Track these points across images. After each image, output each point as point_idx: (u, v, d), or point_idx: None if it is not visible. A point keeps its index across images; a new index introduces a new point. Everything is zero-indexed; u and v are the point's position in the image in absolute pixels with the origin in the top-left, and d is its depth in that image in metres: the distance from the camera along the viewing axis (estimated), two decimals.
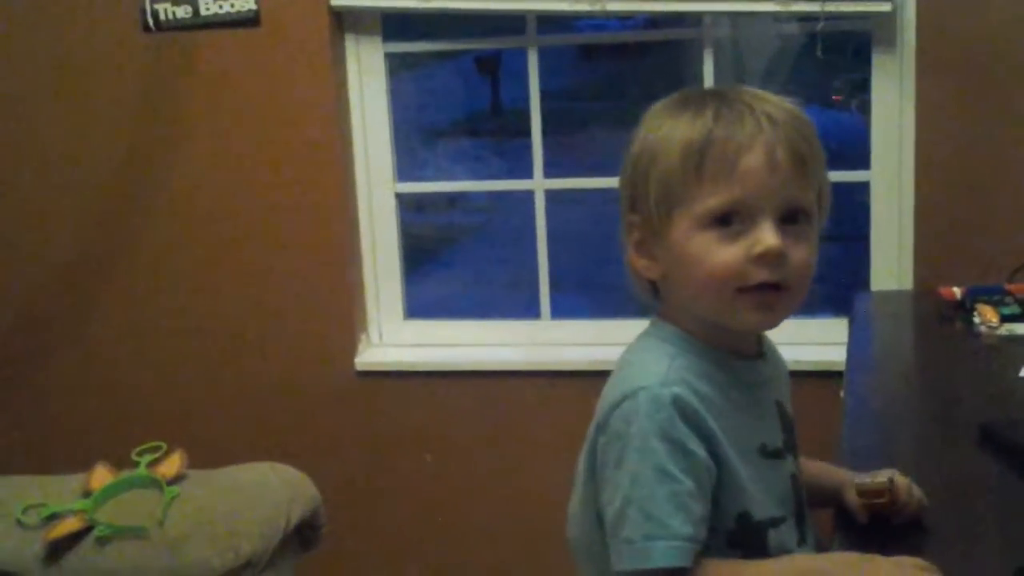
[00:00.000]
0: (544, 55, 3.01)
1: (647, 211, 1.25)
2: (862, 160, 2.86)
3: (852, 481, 1.34)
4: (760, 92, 1.26)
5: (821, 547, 1.33)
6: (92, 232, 3.16)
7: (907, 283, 2.79)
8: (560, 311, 3.15)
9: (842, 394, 1.90)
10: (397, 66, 3.11)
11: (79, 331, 3.22)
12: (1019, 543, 1.31)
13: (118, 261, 3.16)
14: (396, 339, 3.17)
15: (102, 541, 2.27)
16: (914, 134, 2.73)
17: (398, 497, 3.16)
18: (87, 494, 2.40)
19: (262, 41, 2.94)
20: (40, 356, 3.25)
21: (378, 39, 3.01)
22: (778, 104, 1.24)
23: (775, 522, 1.25)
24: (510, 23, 3.03)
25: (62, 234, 3.18)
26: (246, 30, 2.94)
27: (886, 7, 2.67)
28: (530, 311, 3.17)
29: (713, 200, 1.20)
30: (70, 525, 2.29)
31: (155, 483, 2.44)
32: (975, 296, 2.21)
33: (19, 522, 2.34)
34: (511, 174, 7.56)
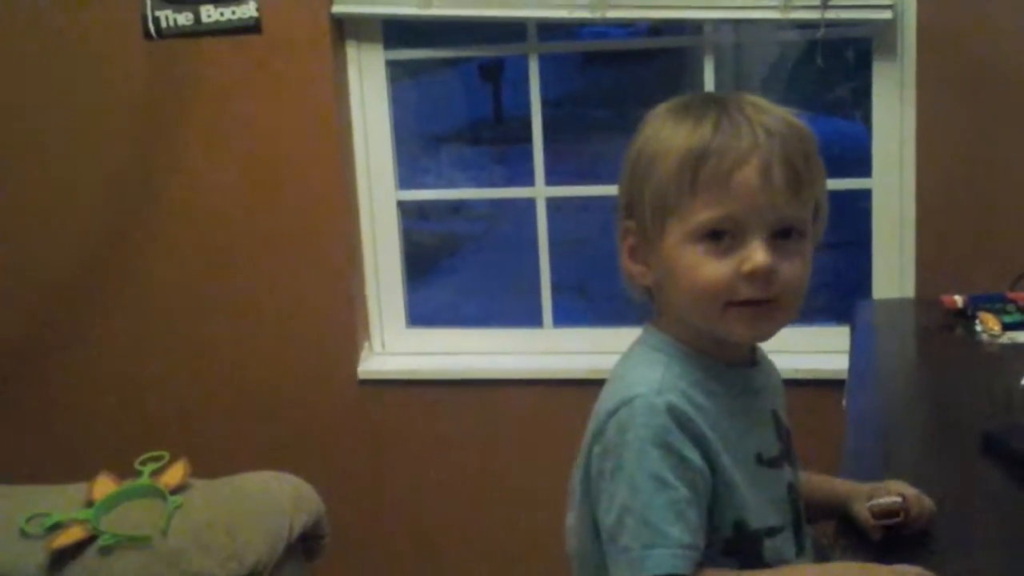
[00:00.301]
0: (545, 62, 3.01)
1: (642, 218, 1.25)
2: (863, 167, 2.86)
3: (860, 497, 1.33)
4: (762, 103, 1.26)
5: (821, 557, 1.33)
6: (94, 240, 3.17)
7: (909, 291, 2.79)
8: (562, 319, 3.16)
9: (843, 402, 1.90)
10: (399, 73, 3.11)
11: (81, 341, 3.22)
12: (1021, 551, 1.31)
13: (120, 270, 3.16)
14: (398, 347, 3.17)
15: (105, 551, 2.27)
16: (915, 141, 2.73)
17: (401, 505, 3.16)
18: (90, 504, 2.40)
19: (263, 49, 2.95)
20: (42, 366, 3.25)
21: (379, 46, 3.02)
22: (779, 117, 1.23)
23: (772, 531, 1.24)
24: (512, 30, 3.03)
25: (64, 242, 3.18)
26: (247, 37, 2.94)
27: (887, 15, 2.67)
28: (532, 319, 3.17)
29: (705, 214, 1.19)
30: (73, 535, 2.29)
31: (158, 493, 2.44)
32: (977, 304, 2.21)
33: (22, 531, 2.34)
34: (513, 181, 7.57)
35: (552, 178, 3.06)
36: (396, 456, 3.13)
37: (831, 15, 2.66)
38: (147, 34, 2.98)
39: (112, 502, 2.42)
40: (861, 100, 2.91)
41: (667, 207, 1.22)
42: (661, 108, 1.28)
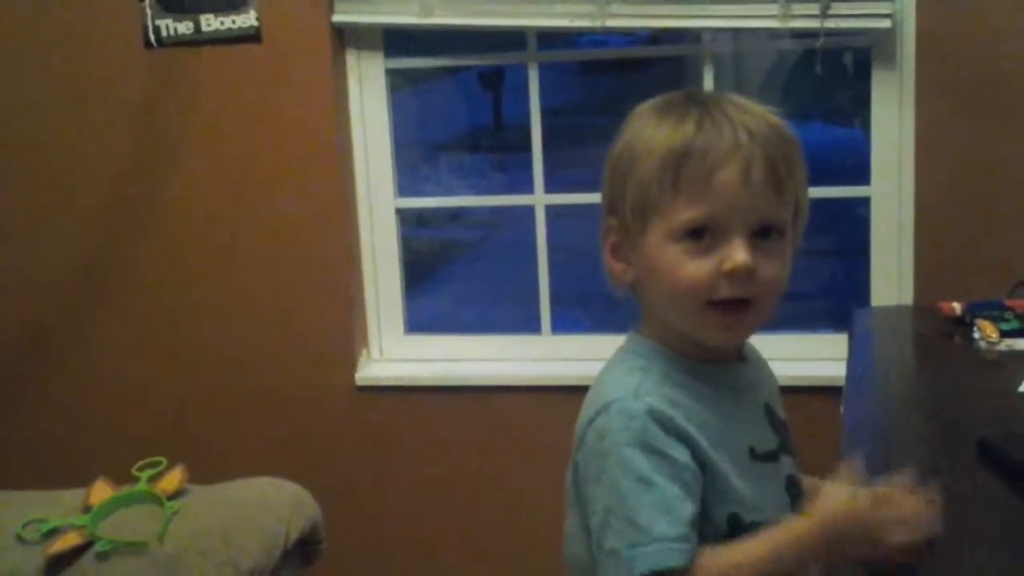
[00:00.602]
0: (545, 71, 3.02)
1: (624, 216, 1.26)
2: (862, 175, 2.86)
3: (819, 486, 1.33)
4: (745, 103, 1.26)
5: None
6: (92, 247, 3.17)
7: (907, 298, 2.80)
8: (560, 326, 3.16)
9: (841, 409, 1.90)
10: (399, 82, 3.12)
11: (79, 347, 3.22)
12: (1018, 558, 1.30)
13: (118, 276, 3.16)
14: (396, 354, 3.17)
15: (102, 556, 2.27)
16: (913, 149, 2.73)
17: (399, 511, 3.16)
18: (87, 509, 2.40)
19: (263, 57, 2.96)
20: (39, 372, 3.25)
21: (379, 55, 3.02)
22: (760, 117, 1.24)
23: (769, 524, 1.24)
24: (511, 39, 3.04)
25: (62, 249, 3.18)
26: (247, 46, 2.95)
27: (885, 23, 2.68)
28: (530, 326, 3.18)
29: (686, 213, 1.20)
30: (70, 540, 2.28)
31: (155, 498, 2.44)
32: (975, 311, 2.21)
33: (19, 537, 2.34)
34: (512, 189, 7.56)
35: (551, 186, 3.06)
36: (394, 462, 3.13)
37: (830, 24, 2.67)
38: (147, 43, 2.99)
39: (109, 508, 2.42)
40: (860, 108, 2.92)
41: (649, 205, 1.22)
42: (644, 107, 1.29)
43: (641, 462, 1.16)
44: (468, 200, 5.82)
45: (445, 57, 3.25)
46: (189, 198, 3.08)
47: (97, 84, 3.07)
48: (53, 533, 2.33)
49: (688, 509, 1.16)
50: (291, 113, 2.99)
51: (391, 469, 3.14)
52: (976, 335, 2.13)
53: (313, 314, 3.08)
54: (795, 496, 1.31)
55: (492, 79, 9.23)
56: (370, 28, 2.99)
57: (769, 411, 1.34)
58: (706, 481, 1.19)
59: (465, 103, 9.46)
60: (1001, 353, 2.06)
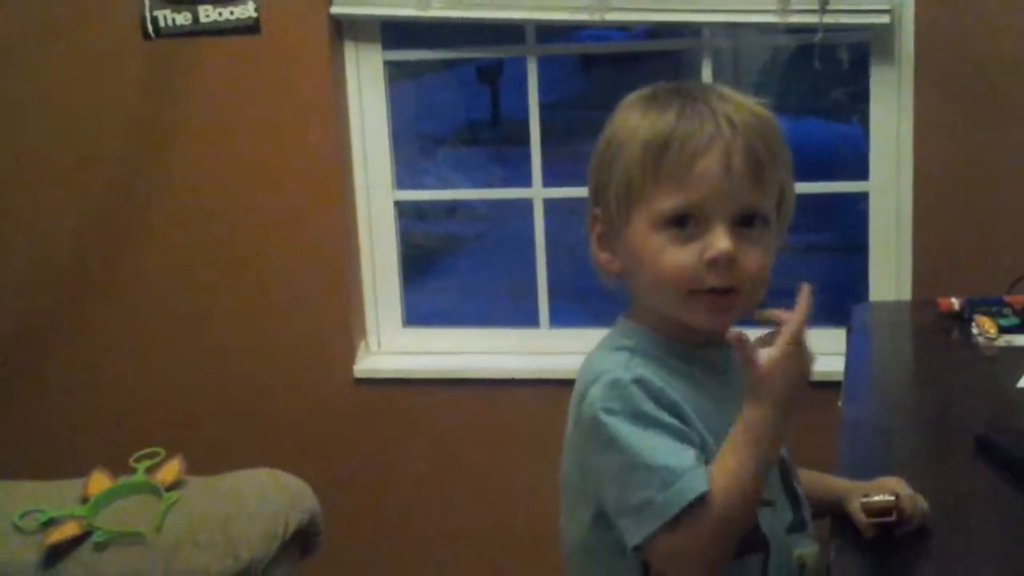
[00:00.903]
0: (544, 65, 3.02)
1: (608, 205, 1.27)
2: (860, 170, 2.86)
3: (856, 494, 1.33)
4: (729, 93, 1.27)
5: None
6: (90, 239, 3.17)
7: (905, 294, 2.80)
8: (559, 320, 3.16)
9: (840, 404, 1.90)
10: (396, 75, 3.11)
11: (77, 337, 3.22)
12: (1016, 554, 1.31)
13: (116, 268, 3.16)
14: (395, 347, 3.17)
15: (100, 547, 2.27)
16: (912, 145, 2.73)
17: (397, 505, 3.16)
18: (85, 500, 2.40)
19: (262, 49, 2.95)
20: (38, 362, 3.25)
21: (378, 47, 3.02)
22: (743, 107, 1.25)
23: (761, 504, 1.24)
24: (510, 33, 3.03)
25: (61, 240, 3.18)
26: (246, 37, 2.94)
27: (884, 19, 2.68)
28: (529, 319, 3.18)
29: (668, 201, 1.21)
30: (68, 530, 2.28)
31: (153, 489, 2.44)
32: (974, 307, 2.21)
33: (16, 527, 2.34)
34: (510, 183, 7.57)
35: (548, 180, 3.06)
36: (392, 455, 3.13)
37: (829, 19, 2.67)
38: (145, 34, 2.98)
39: (107, 498, 2.42)
40: (858, 103, 2.92)
41: (631, 194, 1.24)
42: (629, 98, 1.30)
43: (637, 423, 1.18)
44: (467, 193, 5.84)
45: (443, 50, 3.24)
46: (187, 189, 3.07)
47: (95, 75, 3.06)
48: (51, 523, 2.33)
49: (692, 450, 1.18)
50: (289, 105, 2.99)
51: (389, 461, 3.14)
52: (975, 331, 2.13)
53: (311, 306, 3.07)
54: (787, 478, 1.31)
55: (490, 73, 9.23)
56: (368, 20, 2.99)
57: None
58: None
59: (462, 97, 9.46)
60: (1000, 349, 2.06)
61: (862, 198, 2.87)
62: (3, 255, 3.21)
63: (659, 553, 1.18)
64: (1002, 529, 1.38)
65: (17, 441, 3.25)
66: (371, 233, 3.10)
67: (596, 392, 1.21)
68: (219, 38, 2.95)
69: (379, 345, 3.17)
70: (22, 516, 2.36)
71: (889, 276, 2.85)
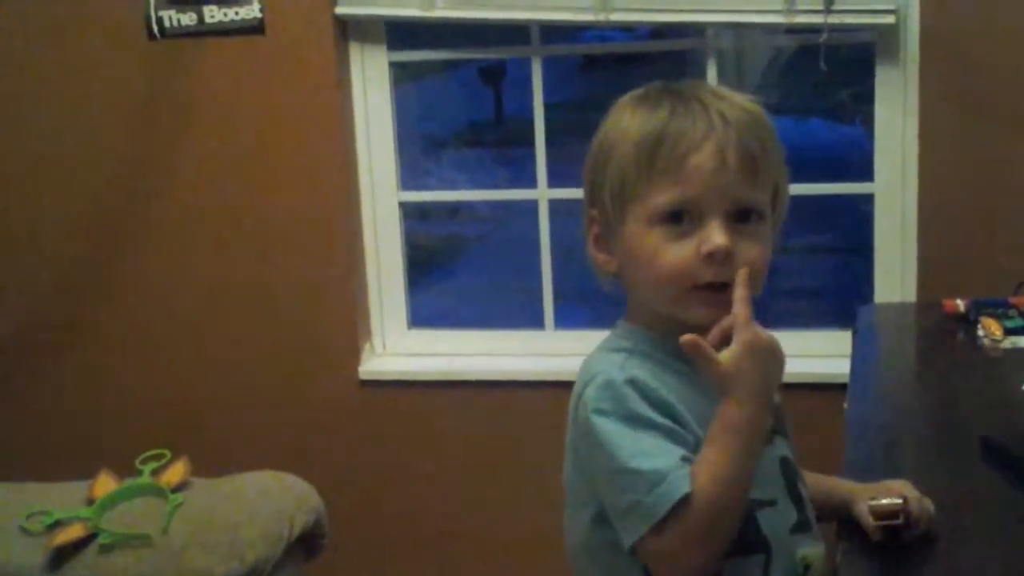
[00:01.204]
0: (548, 66, 3.02)
1: (603, 205, 1.27)
2: (865, 172, 2.86)
3: (863, 497, 1.33)
4: (720, 90, 1.28)
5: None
6: (95, 239, 3.17)
7: (910, 295, 2.79)
8: (563, 321, 3.16)
9: (845, 406, 1.90)
10: (400, 76, 3.11)
11: (82, 340, 3.22)
12: (1020, 556, 1.31)
13: (121, 269, 3.16)
14: (399, 348, 3.17)
15: (105, 549, 2.27)
16: (917, 146, 2.73)
17: (401, 506, 3.16)
18: (90, 502, 2.40)
19: (266, 49, 2.95)
20: (43, 364, 3.25)
21: (383, 48, 3.02)
22: (735, 103, 1.25)
23: (760, 504, 1.24)
24: (514, 34, 3.03)
25: (65, 241, 3.18)
26: (251, 38, 2.94)
27: (890, 19, 2.67)
28: (534, 321, 3.17)
29: (663, 198, 1.22)
30: (73, 532, 2.29)
31: (159, 491, 2.44)
32: (979, 309, 2.21)
33: (22, 529, 2.34)
34: (513, 185, 7.56)
35: (551, 181, 3.06)
36: (396, 456, 3.13)
37: (834, 20, 2.67)
38: (150, 34, 2.98)
39: (113, 500, 2.42)
40: (863, 104, 2.91)
41: (626, 193, 1.24)
42: (623, 99, 1.31)
43: (627, 425, 1.18)
44: (472, 194, 5.84)
45: (448, 50, 3.24)
46: (191, 190, 3.07)
47: (100, 75, 3.06)
48: (57, 525, 2.33)
49: (681, 451, 1.18)
50: (294, 105, 2.99)
51: (394, 463, 3.14)
52: (980, 333, 2.13)
53: (316, 308, 3.07)
54: (790, 477, 1.31)
55: (493, 74, 9.23)
56: (373, 21, 2.99)
57: None
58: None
59: (464, 99, 9.46)
60: (1005, 351, 2.06)
61: (867, 199, 2.87)
62: (9, 256, 3.21)
63: (650, 554, 1.18)
64: (1008, 531, 1.38)
65: (23, 442, 3.25)
66: (376, 234, 3.10)
67: (590, 393, 1.22)
68: (224, 38, 2.96)
69: (384, 347, 3.17)
70: (28, 518, 2.36)
71: (894, 278, 2.84)
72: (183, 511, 2.37)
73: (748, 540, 1.22)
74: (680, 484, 1.14)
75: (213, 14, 2.94)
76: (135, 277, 3.15)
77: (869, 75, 2.80)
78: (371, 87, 3.04)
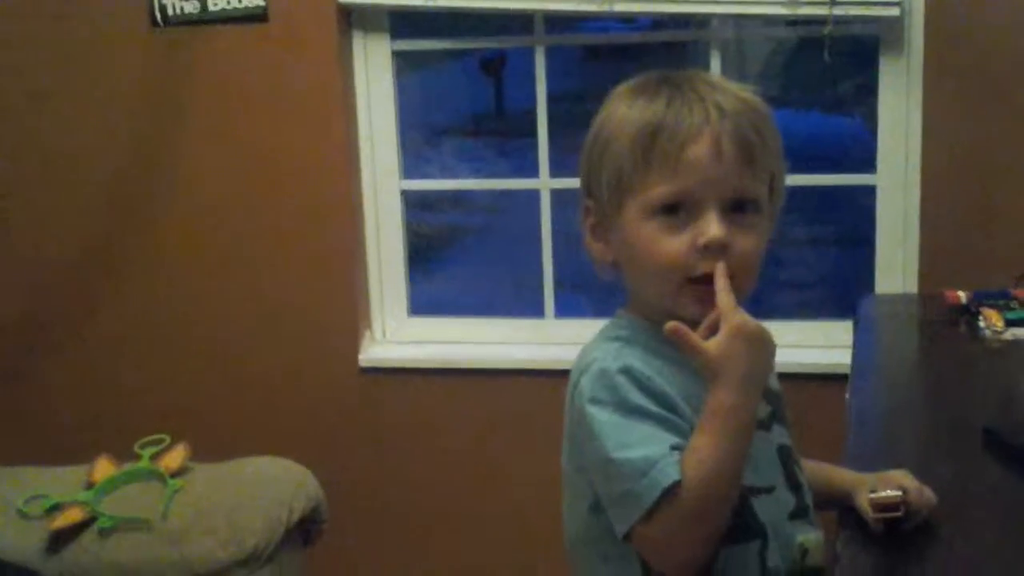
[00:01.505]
0: (550, 56, 3.01)
1: (600, 196, 1.27)
2: (868, 163, 2.86)
3: (863, 487, 1.33)
4: (717, 80, 1.28)
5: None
6: (97, 226, 3.17)
7: (912, 287, 2.79)
8: (564, 310, 3.16)
9: (847, 397, 1.90)
10: (402, 65, 3.11)
11: (83, 325, 3.22)
12: (1022, 547, 1.31)
13: (122, 255, 3.16)
14: (400, 336, 3.17)
15: (104, 533, 2.28)
16: (920, 138, 2.73)
17: (400, 493, 3.16)
18: (90, 486, 2.41)
19: (270, 37, 2.95)
20: (44, 349, 3.26)
21: (386, 37, 3.02)
22: (732, 93, 1.25)
23: (757, 491, 1.24)
24: (516, 24, 3.03)
25: (67, 229, 3.18)
26: (254, 26, 2.94)
27: (894, 11, 2.67)
28: (534, 309, 3.18)
29: (659, 189, 1.22)
30: (72, 516, 2.29)
31: (158, 476, 2.45)
32: (980, 300, 2.20)
33: (21, 513, 2.35)
34: (513, 174, 7.57)
35: (553, 171, 3.06)
36: (396, 444, 3.13)
37: (838, 11, 2.66)
38: (153, 21, 2.98)
39: (112, 485, 2.43)
40: (866, 96, 2.91)
41: (623, 184, 1.24)
42: (618, 89, 1.31)
43: (620, 414, 1.18)
44: (473, 183, 5.83)
45: (451, 40, 3.24)
46: (193, 177, 3.07)
47: (102, 62, 3.06)
48: (56, 509, 2.34)
49: (674, 439, 1.17)
50: (297, 93, 2.98)
51: (393, 450, 3.14)
52: (982, 324, 2.13)
53: (317, 295, 3.07)
54: (788, 465, 1.31)
55: (494, 65, 9.24)
56: (376, 9, 2.98)
57: None
58: None
59: (466, 88, 9.47)
60: (1007, 342, 2.06)
61: (869, 191, 2.87)
62: (9, 244, 3.21)
63: (642, 542, 1.19)
64: (1009, 521, 1.38)
65: (22, 427, 3.25)
66: (377, 222, 3.10)
67: (585, 382, 1.22)
68: (227, 26, 2.95)
69: (384, 334, 3.18)
70: (27, 502, 2.37)
71: (896, 269, 2.84)
72: (182, 496, 2.37)
73: (744, 526, 1.22)
74: (670, 471, 1.14)
75: (216, 2, 2.94)
76: (136, 262, 3.15)
77: (871, 67, 2.80)
78: (374, 76, 3.03)
